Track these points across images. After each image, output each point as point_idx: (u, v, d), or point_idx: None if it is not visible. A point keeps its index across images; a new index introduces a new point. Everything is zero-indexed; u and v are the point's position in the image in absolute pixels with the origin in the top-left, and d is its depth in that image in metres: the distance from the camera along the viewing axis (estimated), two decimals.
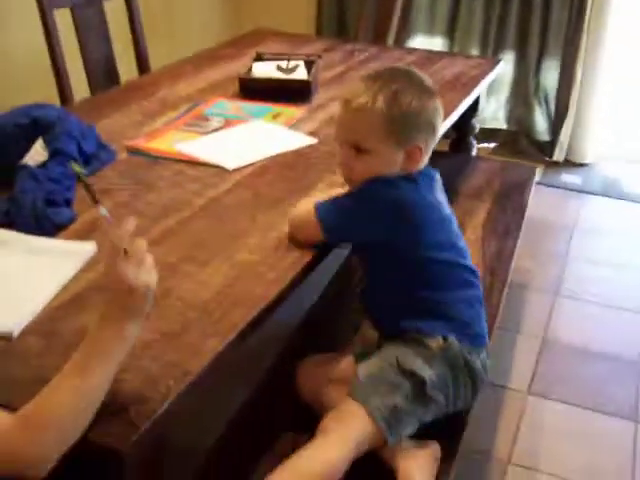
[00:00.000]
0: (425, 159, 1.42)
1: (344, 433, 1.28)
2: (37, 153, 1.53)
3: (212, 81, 2.34)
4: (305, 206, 1.43)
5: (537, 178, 3.56)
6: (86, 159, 1.67)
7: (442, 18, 3.76)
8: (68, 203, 1.50)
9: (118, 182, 1.65)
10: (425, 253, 1.39)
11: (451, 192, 2.37)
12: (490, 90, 3.81)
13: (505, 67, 3.73)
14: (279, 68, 2.25)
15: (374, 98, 1.35)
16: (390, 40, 3.15)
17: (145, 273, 1.02)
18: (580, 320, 2.60)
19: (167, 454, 1.10)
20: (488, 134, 3.91)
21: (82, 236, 1.42)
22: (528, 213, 3.01)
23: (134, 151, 1.80)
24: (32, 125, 1.59)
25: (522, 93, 3.78)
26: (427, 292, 1.40)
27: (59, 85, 2.45)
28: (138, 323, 1.02)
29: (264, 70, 2.22)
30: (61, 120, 1.60)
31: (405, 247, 1.38)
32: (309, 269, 1.36)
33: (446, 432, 1.43)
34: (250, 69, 2.25)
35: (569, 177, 3.72)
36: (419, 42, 3.82)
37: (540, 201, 3.44)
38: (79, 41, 2.50)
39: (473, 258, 1.97)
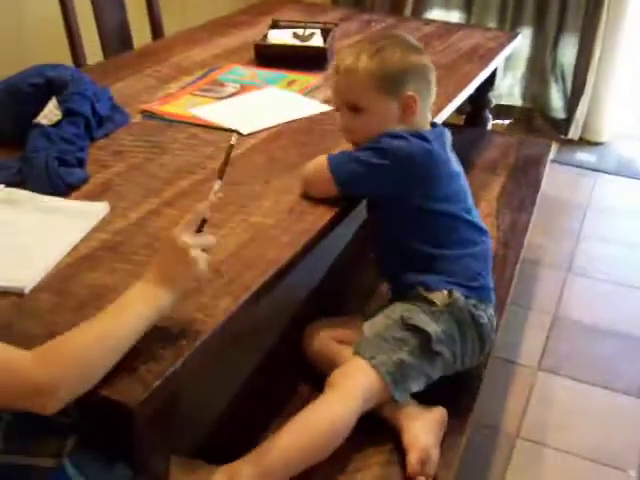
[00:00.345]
0: (423, 110, 1.45)
1: (351, 388, 1.29)
2: (51, 112, 1.51)
3: (227, 48, 2.32)
4: (318, 160, 1.44)
5: (552, 156, 3.55)
6: (100, 120, 1.65)
7: None
8: (81, 164, 1.49)
9: (132, 144, 1.63)
10: (433, 206, 1.40)
11: (466, 165, 2.35)
12: (506, 66, 3.76)
13: (522, 43, 3.68)
14: (295, 35, 2.22)
15: (358, 57, 1.41)
16: (407, 12, 3.11)
17: (204, 257, 1.06)
18: (591, 298, 2.58)
19: (178, 413, 1.09)
20: (503, 110, 3.86)
21: (95, 197, 1.41)
22: (542, 190, 2.99)
23: (148, 114, 1.78)
24: (47, 85, 1.57)
25: (538, 69, 3.72)
26: (432, 246, 1.41)
27: (72, 51, 2.44)
28: (176, 296, 1.04)
29: (280, 37, 2.20)
30: (75, 80, 1.58)
31: (414, 199, 1.40)
32: (323, 234, 1.35)
33: (457, 402, 1.42)
34: (266, 36, 2.22)
35: (584, 155, 3.68)
36: (435, 15, 3.77)
37: (554, 179, 3.41)
38: (93, 7, 2.48)
39: (489, 230, 1.98)
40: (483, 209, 2.11)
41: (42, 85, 1.57)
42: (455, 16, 3.77)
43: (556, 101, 3.76)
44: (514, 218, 2.07)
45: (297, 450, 1.23)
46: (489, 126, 2.70)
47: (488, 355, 1.54)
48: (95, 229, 1.31)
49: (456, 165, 1.49)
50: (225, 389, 1.47)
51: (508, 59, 3.72)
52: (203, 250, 1.07)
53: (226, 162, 1.16)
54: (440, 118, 1.90)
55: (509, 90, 3.84)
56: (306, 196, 1.43)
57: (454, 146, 1.50)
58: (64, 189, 1.41)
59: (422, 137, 1.40)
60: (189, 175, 1.51)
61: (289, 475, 1.23)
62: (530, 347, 2.30)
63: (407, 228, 1.42)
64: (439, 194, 1.41)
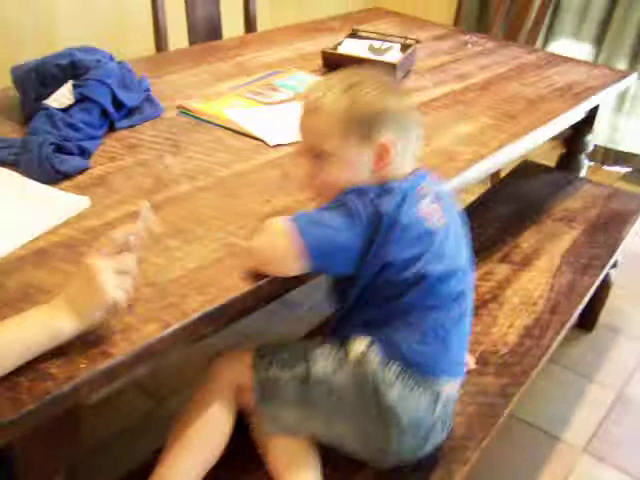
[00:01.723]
0: (400, 161, 1.20)
1: (222, 376, 1.25)
2: (63, 96, 1.45)
3: (303, 52, 2.20)
4: (274, 226, 1.16)
5: None
6: (124, 110, 1.58)
7: (592, 22, 3.43)
8: (83, 153, 1.42)
9: (150, 139, 1.55)
10: (390, 271, 1.16)
11: (540, 212, 2.15)
12: (632, 109, 3.46)
13: None
14: (371, 48, 2.08)
15: (326, 93, 1.18)
16: (523, 38, 2.89)
17: (119, 282, 0.95)
18: None
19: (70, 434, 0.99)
20: (623, 157, 3.55)
21: (84, 189, 1.33)
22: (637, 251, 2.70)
23: (183, 110, 1.70)
24: (70, 67, 1.52)
25: None
26: (380, 309, 1.20)
27: (156, 39, 2.40)
28: (78, 324, 0.93)
29: (352, 47, 2.06)
30: (98, 66, 1.51)
31: (373, 264, 1.15)
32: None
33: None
34: (339, 44, 2.09)
35: None
36: (562, 45, 3.51)
37: None
38: None
39: (540, 289, 1.77)
40: (542, 264, 1.88)
41: (66, 67, 1.52)
42: (585, 49, 3.50)
43: None
44: (574, 280, 1.83)
45: (188, 463, 1.19)
46: (583, 172, 2.43)
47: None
48: (66, 223, 1.23)
49: (439, 220, 1.21)
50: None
51: (635, 102, 3.42)
52: (123, 274, 0.96)
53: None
54: (501, 160, 1.71)
55: (633, 136, 3.51)
56: None
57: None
58: (53, 176, 1.34)
59: (388, 192, 1.16)
60: (190, 181, 1.40)
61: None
62: (581, 424, 2.05)
63: (363, 291, 1.19)
64: (398, 260, 1.15)
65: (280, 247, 1.12)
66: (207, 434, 1.21)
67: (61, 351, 0.93)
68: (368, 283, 1.18)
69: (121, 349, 0.96)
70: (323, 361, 1.20)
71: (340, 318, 1.26)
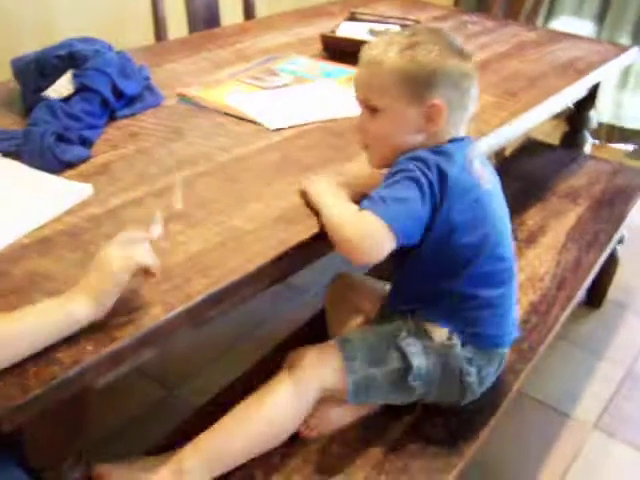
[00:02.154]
0: (451, 124, 1.22)
1: (308, 377, 1.22)
2: (62, 86, 1.46)
3: (302, 37, 2.20)
4: (356, 217, 1.15)
5: None
6: (125, 99, 1.59)
7: (593, 1, 3.40)
8: (84, 142, 1.42)
9: (151, 127, 1.55)
10: (451, 236, 1.19)
11: (544, 190, 2.14)
12: (636, 86, 3.44)
13: None
14: (371, 31, 2.07)
15: (386, 49, 1.19)
16: (523, 17, 2.88)
17: (129, 263, 0.97)
18: None
19: (81, 418, 1.00)
20: (628, 135, 3.53)
21: (87, 177, 1.34)
22: None
23: (184, 98, 1.70)
24: (69, 58, 1.52)
25: None
26: (444, 280, 1.24)
27: (156, 28, 2.40)
28: (94, 312, 0.94)
29: (352, 31, 2.06)
30: (97, 55, 1.51)
31: (437, 230, 1.19)
32: (304, 248, 1.20)
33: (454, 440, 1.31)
34: (338, 27, 2.09)
35: None
36: (564, 23, 3.48)
37: None
38: None
39: (546, 265, 1.77)
40: (548, 241, 1.88)
41: (65, 58, 1.52)
42: (587, 26, 3.47)
43: None
44: (580, 256, 1.83)
45: (242, 437, 1.19)
46: (587, 148, 2.42)
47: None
48: (69, 212, 1.23)
49: (489, 182, 1.27)
50: None
51: (638, 78, 3.40)
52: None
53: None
54: (504, 137, 1.71)
55: (637, 112, 3.49)
56: (304, 204, 1.28)
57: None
58: (56, 166, 1.34)
59: (443, 153, 1.20)
60: (191, 166, 1.40)
61: (237, 462, 1.19)
62: (590, 401, 2.05)
63: (426, 258, 1.22)
64: (458, 224, 1.19)
65: (375, 243, 1.12)
66: (283, 423, 1.22)
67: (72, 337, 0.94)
68: (435, 250, 1.20)
69: (126, 332, 0.97)
70: (416, 352, 1.24)
71: (399, 289, 1.32)
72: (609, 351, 2.25)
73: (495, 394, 1.39)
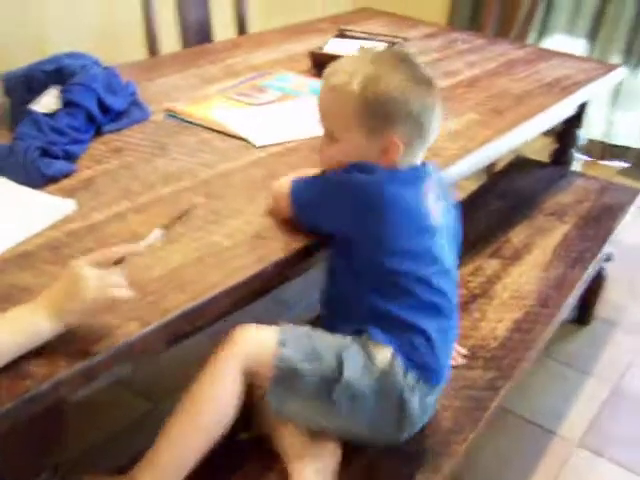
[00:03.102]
0: (408, 155, 1.23)
1: (238, 351, 1.17)
2: (49, 101, 1.47)
3: (292, 53, 2.22)
4: (284, 180, 1.31)
5: None
6: (112, 114, 1.60)
7: (585, 18, 3.43)
8: (68, 156, 1.43)
9: (136, 142, 1.57)
10: (387, 260, 1.19)
11: (531, 207, 2.15)
12: (627, 104, 3.46)
13: None
14: (360, 48, 2.08)
15: (350, 79, 1.19)
16: (514, 35, 2.90)
17: (102, 287, 0.96)
18: None
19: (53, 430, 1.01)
20: (618, 152, 3.55)
21: (70, 192, 1.35)
22: (636, 244, 2.70)
23: (170, 113, 1.71)
24: (56, 73, 1.54)
25: None
26: (385, 301, 1.21)
27: (148, 43, 2.42)
28: (57, 325, 0.94)
29: (340, 47, 2.07)
30: (84, 71, 1.53)
31: (367, 245, 1.20)
32: (282, 264, 1.21)
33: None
34: (327, 44, 2.11)
35: None
36: (557, 41, 3.51)
37: None
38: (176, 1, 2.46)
39: (530, 283, 1.78)
40: (534, 259, 1.89)
41: (52, 73, 1.54)
42: (579, 44, 3.50)
43: None
44: (565, 273, 1.84)
45: (186, 440, 1.14)
46: (575, 166, 2.44)
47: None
48: (51, 226, 1.24)
49: (440, 217, 1.26)
50: None
51: (629, 97, 3.42)
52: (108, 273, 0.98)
53: (178, 218, 1.14)
54: (488, 155, 1.72)
55: (627, 130, 3.51)
56: (281, 219, 1.30)
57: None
58: (40, 181, 1.35)
59: (393, 173, 1.21)
60: (175, 182, 1.41)
61: (188, 466, 1.14)
62: (576, 418, 2.05)
63: (360, 276, 1.22)
64: (396, 246, 1.19)
65: (280, 197, 1.29)
66: (218, 403, 1.16)
67: (41, 350, 0.94)
68: (368, 265, 1.21)
69: (101, 347, 0.97)
70: (354, 366, 1.18)
71: (339, 307, 1.29)
72: (596, 368, 2.25)
73: (474, 410, 1.39)
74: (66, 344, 0.96)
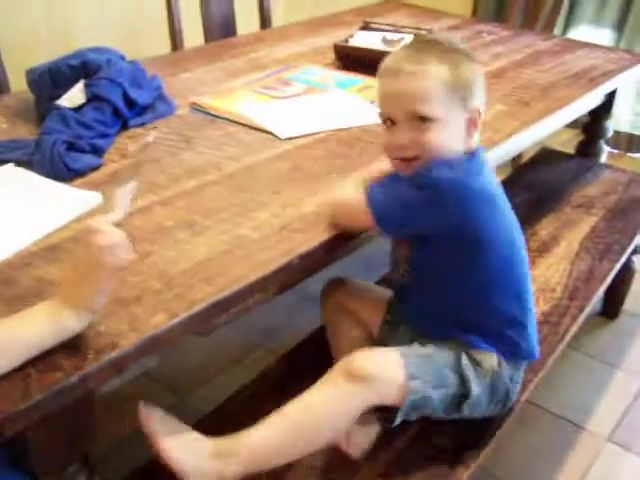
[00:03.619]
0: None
1: (369, 387, 1.16)
2: (75, 95, 1.48)
3: (317, 46, 2.21)
4: (349, 190, 1.27)
5: None
6: (137, 109, 1.60)
7: (612, 8, 3.39)
8: (96, 150, 1.44)
9: (162, 137, 1.57)
10: (487, 250, 1.22)
11: (558, 199, 2.13)
12: None
13: None
14: (384, 40, 2.07)
15: (422, 60, 1.19)
16: (540, 27, 2.87)
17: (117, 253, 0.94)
18: None
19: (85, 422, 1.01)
20: None
21: (97, 186, 1.35)
22: None
23: (196, 107, 1.71)
24: (81, 67, 1.54)
25: None
26: (483, 298, 1.25)
27: (172, 38, 2.43)
28: (83, 320, 0.94)
29: (365, 40, 2.06)
30: (109, 65, 1.53)
31: (469, 241, 1.21)
32: (310, 257, 1.20)
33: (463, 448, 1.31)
34: (351, 37, 2.09)
35: None
36: (583, 32, 3.47)
37: None
38: None
39: (558, 275, 1.76)
40: (561, 251, 1.87)
41: (78, 67, 1.54)
42: (606, 35, 3.45)
43: None
44: (593, 266, 1.82)
45: (294, 448, 1.17)
46: (603, 158, 2.41)
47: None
48: (77, 219, 1.25)
49: (500, 190, 1.29)
50: None
51: None
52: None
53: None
54: (515, 147, 1.71)
55: None
56: (312, 213, 1.29)
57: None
58: (66, 174, 1.36)
59: (475, 162, 1.23)
60: (201, 175, 1.41)
61: (277, 463, 1.17)
62: (606, 413, 2.03)
63: (457, 274, 1.24)
64: (493, 236, 1.22)
65: (353, 213, 1.24)
66: (335, 431, 1.18)
67: (70, 342, 0.94)
68: (469, 267, 1.23)
69: (128, 340, 0.97)
70: (474, 379, 1.24)
71: (435, 315, 1.30)
72: (625, 362, 2.22)
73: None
74: (94, 336, 0.97)
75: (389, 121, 1.23)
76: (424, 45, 1.25)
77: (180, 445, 1.11)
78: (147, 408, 1.14)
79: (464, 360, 1.24)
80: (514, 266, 1.28)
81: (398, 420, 1.23)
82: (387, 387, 1.19)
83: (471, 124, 1.22)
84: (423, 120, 1.19)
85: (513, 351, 1.29)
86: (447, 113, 1.19)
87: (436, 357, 1.24)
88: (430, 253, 1.25)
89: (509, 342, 1.28)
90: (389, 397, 1.19)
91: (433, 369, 1.23)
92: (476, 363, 1.25)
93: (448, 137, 1.20)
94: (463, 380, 1.24)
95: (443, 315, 1.28)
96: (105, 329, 0.98)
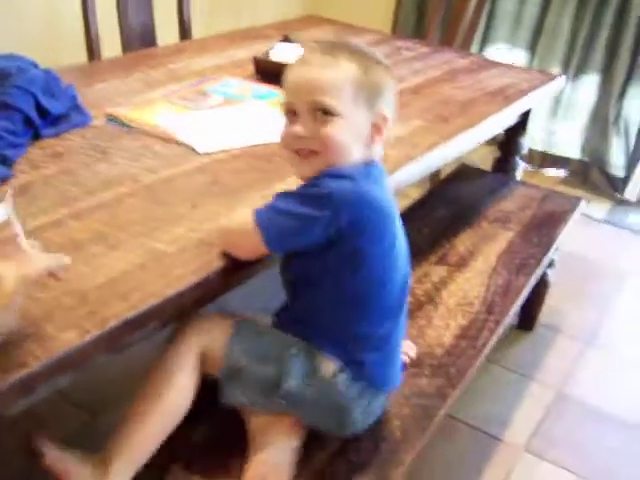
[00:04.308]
0: (384, 142, 1.24)
1: (193, 341, 1.23)
2: None
3: (236, 59, 2.19)
4: (237, 217, 1.22)
5: (601, 215, 3.29)
6: (51, 118, 1.55)
7: (526, 29, 3.50)
8: (4, 161, 1.38)
9: (76, 147, 1.52)
10: (358, 271, 1.18)
11: (476, 214, 2.17)
12: (566, 114, 3.54)
13: (586, 90, 3.45)
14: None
15: (333, 53, 1.17)
16: (458, 44, 2.93)
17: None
18: (605, 378, 2.31)
19: None
20: (559, 162, 3.62)
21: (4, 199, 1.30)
22: (580, 252, 2.75)
23: (112, 118, 1.67)
24: None
25: (601, 121, 3.46)
26: (339, 314, 1.22)
27: (88, 48, 2.36)
28: None
29: (284, 54, 2.06)
30: (20, 72, 1.48)
31: (349, 252, 1.17)
32: (228, 272, 1.18)
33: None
34: (271, 50, 2.09)
35: (638, 219, 3.38)
36: (498, 51, 3.57)
37: (600, 240, 3.16)
38: (117, 5, 2.41)
39: (476, 289, 1.78)
40: (478, 266, 1.90)
41: None
42: (520, 54, 3.56)
43: (616, 157, 3.48)
44: (510, 280, 1.85)
45: (147, 424, 1.19)
46: (518, 174, 2.47)
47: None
48: None
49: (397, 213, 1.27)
50: None
51: (569, 107, 3.50)
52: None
53: None
54: (433, 162, 1.73)
55: (567, 140, 3.58)
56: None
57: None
58: None
59: (370, 175, 1.19)
60: (116, 187, 1.37)
61: (152, 446, 1.19)
62: (521, 424, 2.07)
63: (321, 289, 1.22)
64: (368, 257, 1.18)
65: (240, 235, 1.19)
66: (175, 390, 1.20)
67: None
68: (337, 280, 1.20)
69: (37, 359, 0.93)
70: (295, 378, 1.21)
71: (294, 310, 1.28)
72: (540, 373, 2.27)
73: (422, 419, 1.39)
74: (0, 356, 0.92)
75: (291, 113, 1.19)
76: (337, 44, 1.23)
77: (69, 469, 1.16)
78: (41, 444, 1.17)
79: (293, 350, 1.22)
80: (387, 289, 1.23)
81: (225, 393, 1.23)
82: (211, 344, 1.23)
83: (376, 130, 1.20)
84: (326, 113, 1.15)
85: (359, 372, 1.23)
86: (351, 110, 1.16)
87: (269, 339, 1.25)
88: (305, 260, 1.22)
89: (357, 361, 1.23)
90: (213, 355, 1.22)
91: (258, 346, 1.24)
92: (313, 363, 1.21)
93: (349, 136, 1.17)
94: (281, 368, 1.20)
95: (304, 316, 1.25)
96: (11, 347, 0.94)
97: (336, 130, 1.16)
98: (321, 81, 1.16)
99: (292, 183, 1.42)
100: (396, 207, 1.26)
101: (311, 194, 1.15)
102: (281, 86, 1.21)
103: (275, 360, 1.21)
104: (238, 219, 1.21)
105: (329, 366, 1.21)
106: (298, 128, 1.17)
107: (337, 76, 1.16)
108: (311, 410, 1.23)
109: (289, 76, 1.20)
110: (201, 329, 1.25)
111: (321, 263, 1.19)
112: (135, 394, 1.22)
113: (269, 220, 1.15)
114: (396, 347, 1.30)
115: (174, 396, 1.20)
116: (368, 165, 1.21)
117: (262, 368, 1.22)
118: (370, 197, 1.16)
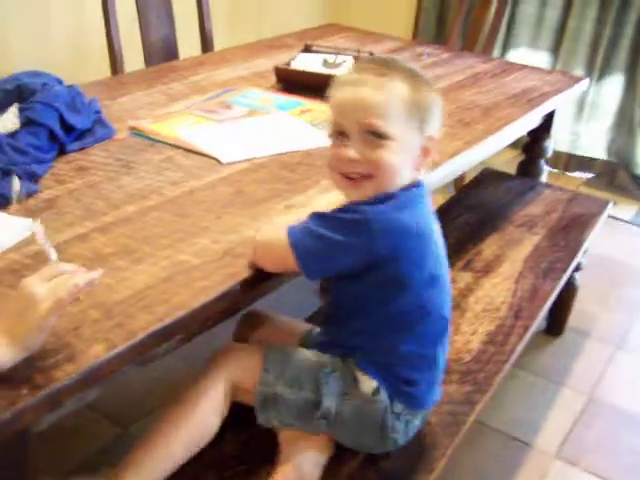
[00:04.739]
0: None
1: (223, 371, 1.23)
2: (8, 120, 1.43)
3: (258, 70, 2.20)
4: (273, 231, 1.21)
5: (629, 217, 3.25)
6: (76, 133, 1.57)
7: (548, 32, 3.47)
8: (31, 177, 1.39)
9: (100, 161, 1.53)
10: (404, 290, 1.18)
11: (501, 219, 2.15)
12: (591, 116, 3.50)
13: (612, 92, 3.42)
14: (325, 62, 2.08)
15: (385, 74, 1.14)
16: (480, 49, 2.92)
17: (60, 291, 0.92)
18: (638, 382, 2.28)
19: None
20: (584, 163, 3.59)
21: (32, 213, 1.31)
22: (608, 254, 2.71)
23: (135, 131, 1.68)
24: (16, 91, 1.50)
25: (626, 121, 3.42)
26: (390, 331, 1.21)
27: (112, 62, 2.39)
28: (15, 354, 0.90)
29: (307, 62, 2.06)
30: (45, 89, 1.50)
31: (390, 277, 1.17)
32: (252, 284, 1.18)
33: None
34: (293, 60, 2.09)
35: None
36: (521, 55, 3.54)
37: (628, 242, 3.12)
38: (139, 19, 2.43)
39: (502, 295, 1.77)
40: (505, 271, 1.89)
41: (12, 91, 1.50)
42: (542, 58, 3.53)
43: None
44: (537, 284, 1.84)
45: (168, 449, 1.18)
46: (543, 177, 2.45)
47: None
48: (13, 249, 1.21)
49: (438, 233, 1.26)
50: None
51: (593, 109, 3.46)
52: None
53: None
54: (458, 167, 1.72)
55: (593, 142, 3.55)
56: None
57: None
58: (1, 202, 1.32)
59: (413, 200, 1.18)
60: (141, 200, 1.38)
61: (169, 471, 1.18)
62: (552, 430, 2.04)
63: (365, 309, 1.21)
64: (412, 281, 1.18)
65: (274, 254, 1.19)
66: (201, 420, 1.20)
67: (1, 378, 0.91)
68: (383, 305, 1.19)
69: (65, 372, 0.94)
70: (332, 395, 1.21)
71: (336, 332, 1.29)
72: (570, 379, 2.24)
73: (452, 426, 1.38)
74: (29, 370, 0.92)
75: (340, 135, 1.16)
76: (388, 61, 1.20)
77: None
78: None
79: (327, 369, 1.22)
80: (434, 309, 1.24)
81: (260, 418, 1.23)
82: (243, 373, 1.24)
83: (424, 152, 1.18)
84: (378, 137, 1.12)
85: (402, 391, 1.24)
86: (404, 134, 1.13)
87: (301, 361, 1.24)
88: (346, 284, 1.22)
89: (401, 380, 1.23)
90: (245, 385, 1.23)
91: (291, 370, 1.23)
92: (352, 381, 1.21)
93: (401, 160, 1.15)
94: (317, 387, 1.20)
95: (344, 337, 1.26)
96: (39, 361, 0.95)
97: (389, 154, 1.13)
98: (374, 103, 1.13)
99: (314, 194, 1.44)
100: (437, 225, 1.25)
101: (347, 220, 1.13)
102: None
103: (310, 383, 1.22)
104: (273, 234, 1.20)
105: (369, 384, 1.21)
106: (351, 152, 1.14)
107: (390, 98, 1.13)
108: (351, 429, 1.23)
109: (338, 95, 1.17)
110: (232, 360, 1.25)
111: (362, 287, 1.19)
112: (161, 415, 1.22)
113: (302, 241, 1.15)
114: (441, 365, 1.29)
115: (198, 428, 1.20)
116: (413, 186, 1.19)
117: (297, 393, 1.22)
118: (406, 223, 1.14)
